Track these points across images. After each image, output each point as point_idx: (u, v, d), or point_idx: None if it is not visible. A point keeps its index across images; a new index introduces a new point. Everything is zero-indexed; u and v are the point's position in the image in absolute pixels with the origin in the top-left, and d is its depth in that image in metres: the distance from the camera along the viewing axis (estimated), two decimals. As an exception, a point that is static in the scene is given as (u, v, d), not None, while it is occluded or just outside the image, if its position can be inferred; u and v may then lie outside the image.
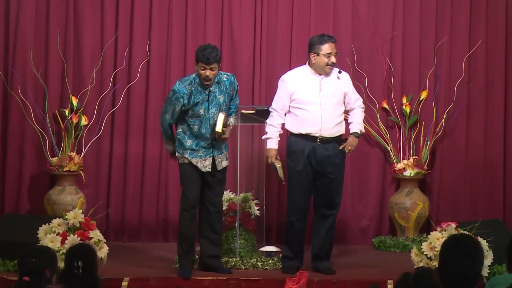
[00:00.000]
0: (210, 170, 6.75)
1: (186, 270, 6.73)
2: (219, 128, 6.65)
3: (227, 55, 8.42)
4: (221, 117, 6.65)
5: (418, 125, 8.44)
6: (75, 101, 8.24)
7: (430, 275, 4.09)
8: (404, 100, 8.42)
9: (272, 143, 6.96)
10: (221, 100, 6.74)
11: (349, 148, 6.98)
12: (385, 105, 8.45)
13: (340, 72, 7.01)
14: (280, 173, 6.95)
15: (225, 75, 6.82)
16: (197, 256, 6.93)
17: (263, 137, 7.06)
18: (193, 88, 6.67)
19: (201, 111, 6.68)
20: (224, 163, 6.83)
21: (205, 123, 6.70)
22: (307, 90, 6.89)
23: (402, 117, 8.43)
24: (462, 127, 8.48)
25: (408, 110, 8.41)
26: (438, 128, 8.39)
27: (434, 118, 8.41)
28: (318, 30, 8.33)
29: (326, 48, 6.89)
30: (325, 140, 6.85)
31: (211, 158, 6.75)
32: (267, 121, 7.03)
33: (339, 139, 6.94)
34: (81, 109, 8.25)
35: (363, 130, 7.14)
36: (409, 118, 8.41)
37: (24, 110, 8.19)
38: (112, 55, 8.39)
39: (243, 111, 7.23)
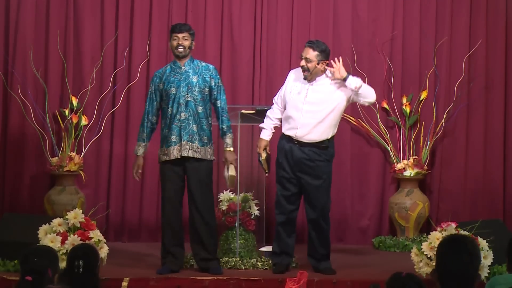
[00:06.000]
0: (186, 155, 6.69)
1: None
2: (233, 172, 6.74)
3: (227, 55, 8.43)
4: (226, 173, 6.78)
5: (418, 125, 8.44)
6: (75, 101, 8.25)
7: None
8: (404, 100, 8.42)
9: (265, 134, 6.98)
10: (195, 81, 6.79)
11: (333, 70, 6.81)
12: (385, 105, 8.45)
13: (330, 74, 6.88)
14: (264, 165, 6.96)
15: (204, 62, 6.92)
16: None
17: (260, 125, 7.06)
18: (167, 69, 6.83)
19: (172, 89, 6.75)
20: (191, 153, 6.72)
21: (176, 102, 6.73)
22: (295, 93, 6.87)
23: (402, 117, 8.43)
24: (462, 127, 8.49)
25: (408, 110, 8.41)
26: (438, 128, 8.40)
27: (434, 118, 8.41)
28: (318, 31, 8.36)
29: None
30: (301, 143, 6.83)
31: (182, 142, 6.72)
32: (267, 112, 7.05)
33: (318, 145, 6.82)
34: (81, 109, 8.26)
35: (357, 85, 6.77)
36: (409, 118, 8.42)
37: (24, 110, 8.19)
38: (112, 55, 8.39)
39: (243, 111, 7.23)
